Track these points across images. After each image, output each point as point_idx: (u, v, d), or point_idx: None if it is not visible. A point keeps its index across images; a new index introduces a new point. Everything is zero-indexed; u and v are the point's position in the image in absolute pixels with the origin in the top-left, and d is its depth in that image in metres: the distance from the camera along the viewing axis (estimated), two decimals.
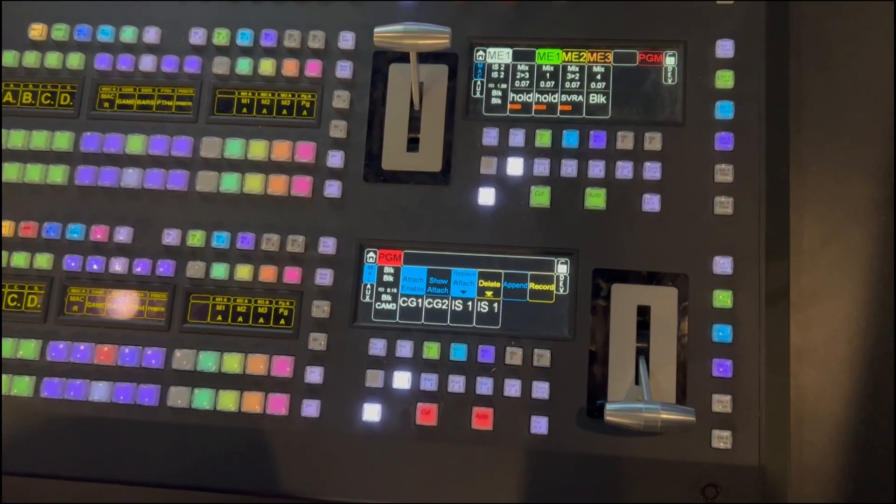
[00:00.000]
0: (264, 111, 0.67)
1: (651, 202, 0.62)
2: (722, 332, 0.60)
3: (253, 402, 0.62)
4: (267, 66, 0.67)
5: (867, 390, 0.63)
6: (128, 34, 0.68)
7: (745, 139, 0.63)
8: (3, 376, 0.63)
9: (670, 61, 0.65)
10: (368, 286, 0.64)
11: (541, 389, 0.60)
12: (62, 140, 0.67)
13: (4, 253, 0.66)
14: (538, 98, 0.66)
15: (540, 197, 0.63)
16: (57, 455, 0.62)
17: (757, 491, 0.58)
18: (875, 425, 0.63)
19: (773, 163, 0.62)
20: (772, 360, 0.60)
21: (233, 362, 0.62)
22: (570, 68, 0.66)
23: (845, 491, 0.62)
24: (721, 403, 0.59)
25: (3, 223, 0.66)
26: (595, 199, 0.63)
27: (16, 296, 0.65)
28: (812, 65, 0.66)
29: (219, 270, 0.64)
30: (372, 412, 0.61)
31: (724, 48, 0.64)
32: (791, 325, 0.61)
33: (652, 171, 0.62)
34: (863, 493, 0.62)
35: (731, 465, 0.59)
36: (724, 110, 0.63)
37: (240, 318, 0.64)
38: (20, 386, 0.63)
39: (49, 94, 0.68)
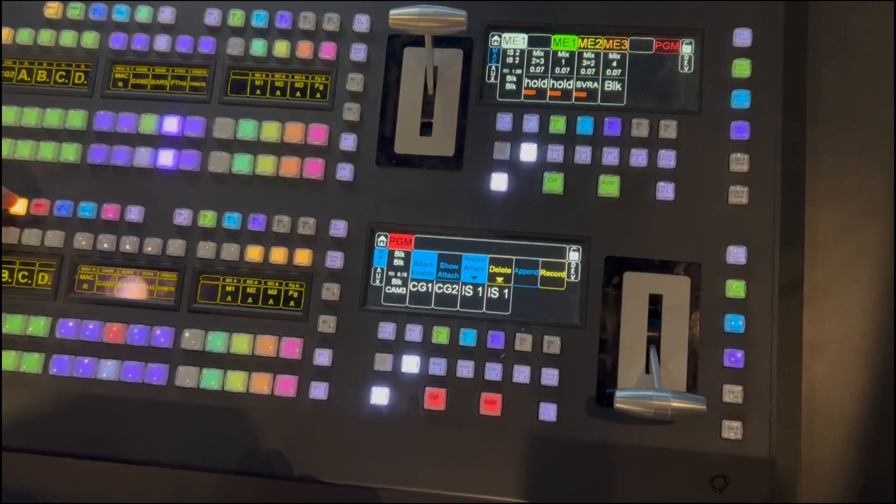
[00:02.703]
0: (278, 93, 0.66)
1: (665, 190, 0.62)
2: (734, 322, 0.59)
3: (261, 383, 0.62)
4: (281, 48, 0.66)
5: (880, 385, 0.63)
6: (143, 14, 0.68)
7: (762, 129, 0.62)
8: (13, 353, 0.64)
9: (687, 49, 0.65)
10: (379, 270, 0.64)
11: (550, 376, 0.60)
12: (76, 118, 0.67)
13: (16, 230, 0.66)
14: (553, 84, 0.65)
15: (553, 183, 0.63)
16: (64, 432, 0.62)
17: (767, 483, 0.58)
18: (887, 421, 0.62)
19: (790, 153, 0.62)
20: (784, 351, 0.59)
21: (242, 343, 0.62)
22: (585, 55, 0.65)
23: (856, 485, 0.61)
24: (732, 394, 0.59)
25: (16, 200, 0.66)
26: (609, 186, 0.62)
27: (27, 272, 0.65)
28: (830, 54, 0.65)
29: (229, 251, 0.64)
30: (380, 396, 0.61)
31: (742, 37, 0.63)
32: (804, 318, 0.61)
33: (666, 159, 0.62)
34: (874, 488, 0.62)
35: (741, 456, 0.58)
36: (740, 99, 0.62)
37: (249, 300, 0.63)
38: (29, 362, 0.63)
39: (64, 73, 0.69)
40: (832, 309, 0.64)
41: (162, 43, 0.68)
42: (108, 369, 0.63)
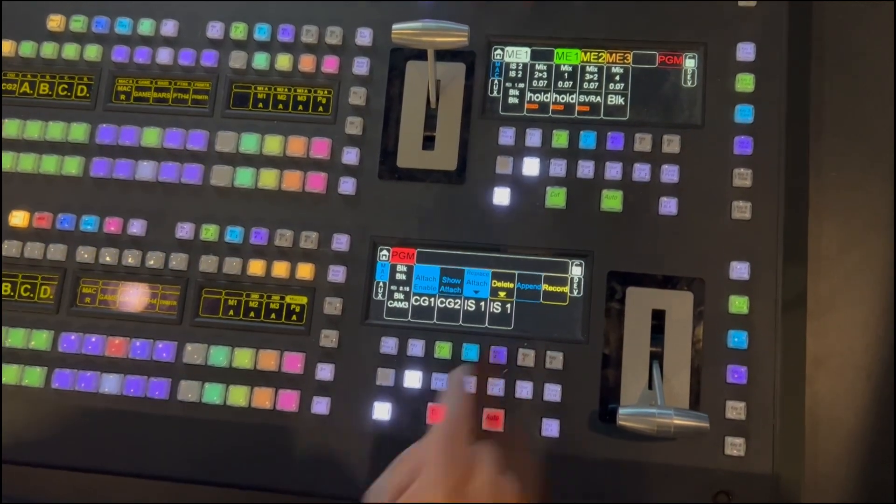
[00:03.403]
0: (280, 106, 0.66)
1: (668, 205, 0.62)
2: (737, 338, 0.59)
3: (263, 397, 0.61)
4: (284, 62, 0.66)
5: (884, 400, 0.62)
6: (145, 27, 0.68)
7: (765, 143, 0.62)
8: (15, 367, 0.64)
9: (690, 63, 0.64)
10: (381, 284, 0.63)
11: (553, 392, 0.60)
12: (78, 132, 0.67)
13: (18, 243, 0.66)
14: (556, 98, 0.65)
15: (555, 198, 0.63)
16: (66, 446, 0.62)
17: (770, 499, 0.58)
18: (892, 436, 0.62)
19: (793, 168, 0.62)
20: (787, 367, 0.59)
21: (244, 357, 0.62)
22: (588, 69, 0.65)
23: (859, 501, 0.61)
24: (735, 410, 0.58)
25: (19, 213, 0.66)
26: (611, 200, 0.62)
27: (29, 286, 0.65)
28: (834, 69, 0.65)
29: (231, 265, 0.64)
30: (382, 411, 0.61)
31: (745, 51, 0.63)
32: (807, 333, 0.61)
33: (669, 173, 0.62)
34: (877, 503, 0.62)
35: (744, 472, 0.58)
36: (743, 114, 0.62)
37: (252, 314, 0.63)
38: (31, 377, 0.63)
39: (66, 86, 0.69)
40: (835, 323, 0.63)
41: (164, 56, 0.68)
42: (110, 383, 0.63)
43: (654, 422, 0.55)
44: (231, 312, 0.64)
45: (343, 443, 0.61)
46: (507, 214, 0.63)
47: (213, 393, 0.62)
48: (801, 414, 0.59)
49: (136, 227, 0.65)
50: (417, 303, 0.63)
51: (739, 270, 0.60)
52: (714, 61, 0.64)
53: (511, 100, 0.65)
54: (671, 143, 0.62)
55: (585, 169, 0.63)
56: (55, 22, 0.69)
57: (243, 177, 0.65)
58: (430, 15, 0.63)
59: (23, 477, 0.65)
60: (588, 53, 0.66)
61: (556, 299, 0.62)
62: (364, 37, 0.67)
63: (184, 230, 0.65)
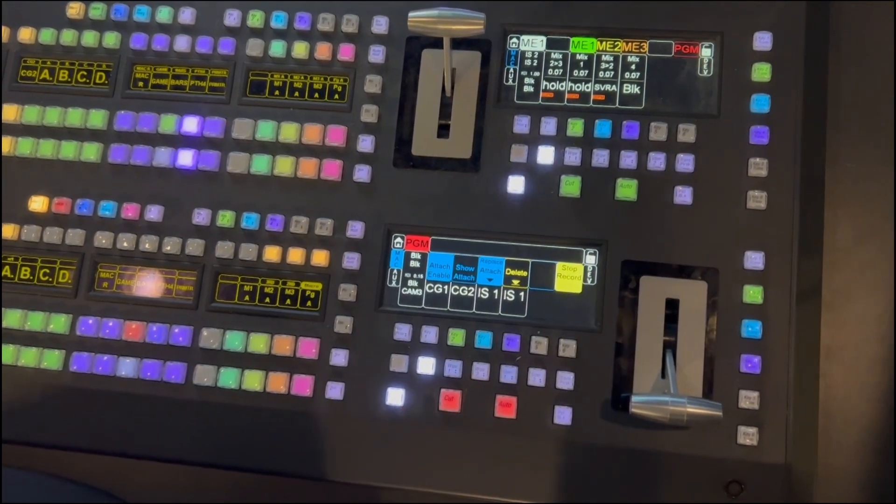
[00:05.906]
0: (296, 94, 0.67)
1: (683, 194, 0.61)
2: (751, 328, 0.59)
3: (278, 382, 0.62)
4: (300, 49, 0.67)
5: None
6: (164, 14, 0.69)
7: (781, 133, 0.62)
8: (34, 349, 0.64)
9: (706, 53, 0.64)
10: (395, 271, 0.64)
11: (565, 380, 0.60)
12: (97, 118, 0.68)
13: (38, 228, 0.66)
14: (571, 87, 0.65)
15: (570, 186, 0.63)
16: (83, 428, 0.63)
17: (782, 489, 0.58)
18: None
19: (809, 158, 0.62)
20: (801, 357, 0.59)
21: (259, 342, 0.63)
22: (604, 57, 0.65)
23: (872, 492, 0.61)
24: (748, 400, 0.58)
25: (38, 198, 0.67)
26: (626, 189, 0.62)
27: (48, 270, 0.66)
28: (851, 59, 0.65)
29: (247, 251, 0.64)
30: (395, 396, 0.61)
31: (762, 41, 0.63)
32: (822, 324, 0.60)
33: (685, 163, 0.62)
34: (890, 495, 0.61)
35: (757, 462, 0.58)
36: (760, 104, 0.62)
37: (267, 299, 0.64)
38: (50, 359, 0.64)
39: (85, 73, 0.69)
40: (850, 314, 0.63)
41: (182, 43, 0.68)
42: (127, 367, 0.63)
43: (667, 410, 0.55)
44: (247, 298, 0.64)
45: (356, 428, 0.61)
46: (522, 203, 0.63)
47: (228, 377, 0.62)
48: (814, 404, 0.59)
49: (154, 212, 0.66)
50: (431, 290, 0.63)
51: (754, 260, 0.60)
52: (731, 51, 0.63)
53: (526, 88, 0.65)
54: (687, 133, 0.62)
55: (600, 158, 0.63)
56: (74, 9, 0.70)
57: (259, 164, 0.66)
58: (445, 3, 0.63)
59: (39, 459, 0.66)
60: (604, 42, 0.65)
61: (570, 288, 0.62)
62: (380, 25, 0.67)
63: (200, 216, 0.65)
